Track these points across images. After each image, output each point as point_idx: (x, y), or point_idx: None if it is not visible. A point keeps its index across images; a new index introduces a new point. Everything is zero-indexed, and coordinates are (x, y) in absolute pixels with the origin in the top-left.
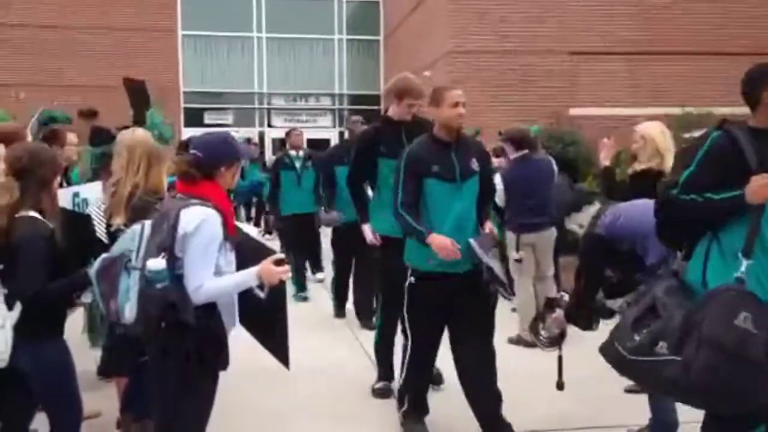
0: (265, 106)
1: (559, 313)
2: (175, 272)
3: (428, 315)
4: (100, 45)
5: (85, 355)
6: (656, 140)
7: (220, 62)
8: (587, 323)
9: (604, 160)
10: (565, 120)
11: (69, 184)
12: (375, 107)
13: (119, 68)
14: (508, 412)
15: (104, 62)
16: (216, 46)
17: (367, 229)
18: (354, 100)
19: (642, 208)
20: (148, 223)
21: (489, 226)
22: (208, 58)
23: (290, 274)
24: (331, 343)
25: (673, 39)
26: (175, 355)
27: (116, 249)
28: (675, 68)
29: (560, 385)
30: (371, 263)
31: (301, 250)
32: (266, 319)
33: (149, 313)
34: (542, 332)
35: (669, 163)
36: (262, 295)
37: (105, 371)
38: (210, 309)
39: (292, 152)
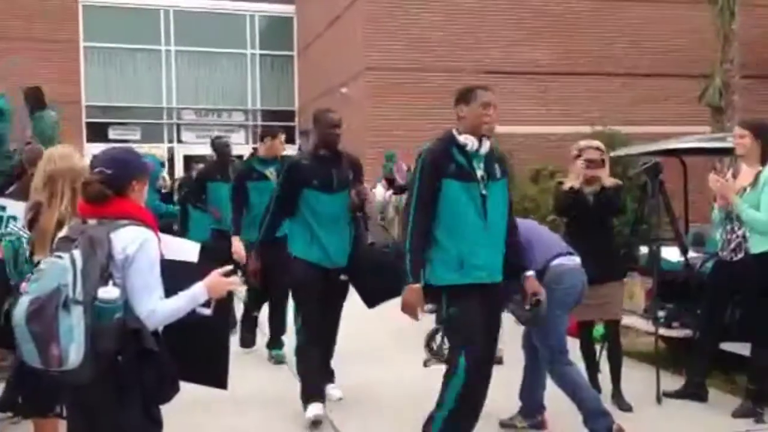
0: (175, 120)
1: None
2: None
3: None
4: None
5: None
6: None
7: (126, 75)
8: None
9: (575, 180)
10: None
11: None
12: (290, 123)
13: (15, 79)
14: None
15: None
16: (121, 58)
17: None
18: (268, 115)
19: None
20: (77, 252)
21: None
22: (112, 71)
23: (239, 287)
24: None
25: (584, 59)
26: (135, 388)
27: (42, 287)
28: (585, 88)
29: None
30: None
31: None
32: (204, 337)
33: (103, 349)
34: (434, 347)
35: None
36: (207, 312)
37: (28, 413)
38: (156, 334)
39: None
